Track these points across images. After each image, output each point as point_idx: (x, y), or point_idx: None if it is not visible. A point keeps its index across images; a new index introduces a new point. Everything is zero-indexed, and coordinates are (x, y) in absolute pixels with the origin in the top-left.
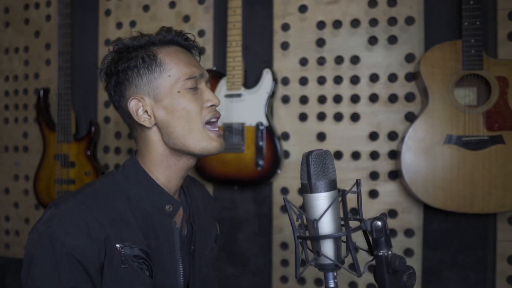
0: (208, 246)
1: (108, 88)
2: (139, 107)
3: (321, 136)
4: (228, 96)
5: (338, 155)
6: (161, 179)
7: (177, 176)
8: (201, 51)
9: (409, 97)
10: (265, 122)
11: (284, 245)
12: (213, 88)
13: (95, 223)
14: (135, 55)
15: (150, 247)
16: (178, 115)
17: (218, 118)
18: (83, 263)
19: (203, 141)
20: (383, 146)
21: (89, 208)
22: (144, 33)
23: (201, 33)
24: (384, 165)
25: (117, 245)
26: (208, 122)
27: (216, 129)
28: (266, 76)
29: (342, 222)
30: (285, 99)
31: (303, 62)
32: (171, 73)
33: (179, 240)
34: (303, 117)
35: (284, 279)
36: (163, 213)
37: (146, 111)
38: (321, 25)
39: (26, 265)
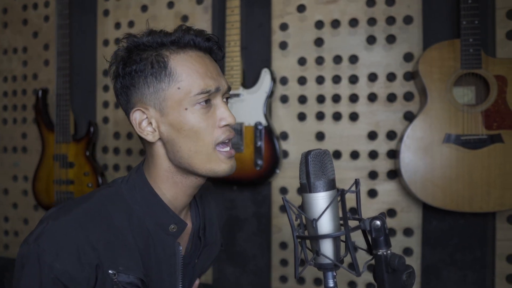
0: (207, 263)
1: (115, 88)
2: (143, 118)
3: (320, 136)
4: None
5: (337, 154)
6: (167, 195)
7: (184, 194)
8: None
9: (408, 97)
10: (263, 122)
11: (283, 245)
12: None
13: (87, 247)
14: (145, 57)
15: (148, 271)
16: (185, 134)
17: (231, 138)
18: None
19: (211, 163)
20: (382, 145)
21: (83, 228)
22: (160, 29)
23: None
24: (383, 165)
25: (110, 271)
26: (220, 143)
27: (227, 149)
28: (265, 76)
29: (341, 222)
30: (284, 99)
31: (302, 61)
32: (181, 85)
33: (181, 262)
34: (302, 116)
35: (283, 279)
36: (167, 233)
37: (151, 123)
38: (319, 24)
39: (16, 277)
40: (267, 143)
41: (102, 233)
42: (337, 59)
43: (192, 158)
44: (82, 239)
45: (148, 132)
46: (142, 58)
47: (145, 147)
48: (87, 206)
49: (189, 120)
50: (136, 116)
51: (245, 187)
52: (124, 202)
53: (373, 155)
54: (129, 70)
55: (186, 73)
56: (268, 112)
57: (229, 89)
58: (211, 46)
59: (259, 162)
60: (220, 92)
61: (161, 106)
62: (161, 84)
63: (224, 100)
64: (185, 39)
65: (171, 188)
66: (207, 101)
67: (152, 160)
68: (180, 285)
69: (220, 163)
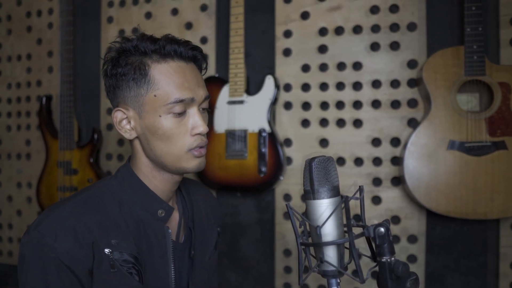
0: (208, 251)
1: (105, 85)
2: (123, 118)
3: (323, 142)
4: (231, 102)
5: (341, 161)
6: (151, 185)
7: (163, 188)
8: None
9: (412, 103)
10: (267, 128)
11: (287, 252)
12: (215, 94)
13: (83, 228)
14: (130, 63)
15: (140, 252)
16: (158, 137)
17: (204, 146)
18: (72, 267)
19: (181, 162)
20: (386, 152)
21: (78, 213)
22: (150, 35)
23: (204, 40)
24: (386, 171)
25: (106, 250)
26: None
27: (197, 148)
28: (268, 83)
29: (345, 229)
30: (287, 105)
31: (305, 68)
32: (157, 93)
33: (171, 245)
34: (305, 123)
35: (287, 286)
36: (156, 218)
37: (130, 123)
38: (323, 31)
39: (19, 268)
40: (271, 150)
41: (96, 217)
42: (341, 66)
43: (163, 157)
44: (78, 223)
45: (126, 130)
46: (127, 63)
47: (130, 142)
48: (81, 197)
49: (162, 125)
50: (118, 115)
51: (248, 194)
52: (114, 193)
53: (376, 161)
54: (115, 72)
55: (164, 82)
56: (272, 118)
57: (206, 98)
58: (195, 55)
59: (263, 168)
60: (196, 102)
61: (139, 110)
62: (140, 90)
63: (201, 109)
64: (167, 49)
65: (151, 180)
66: (181, 113)
67: (134, 155)
68: (172, 266)
69: (189, 161)
